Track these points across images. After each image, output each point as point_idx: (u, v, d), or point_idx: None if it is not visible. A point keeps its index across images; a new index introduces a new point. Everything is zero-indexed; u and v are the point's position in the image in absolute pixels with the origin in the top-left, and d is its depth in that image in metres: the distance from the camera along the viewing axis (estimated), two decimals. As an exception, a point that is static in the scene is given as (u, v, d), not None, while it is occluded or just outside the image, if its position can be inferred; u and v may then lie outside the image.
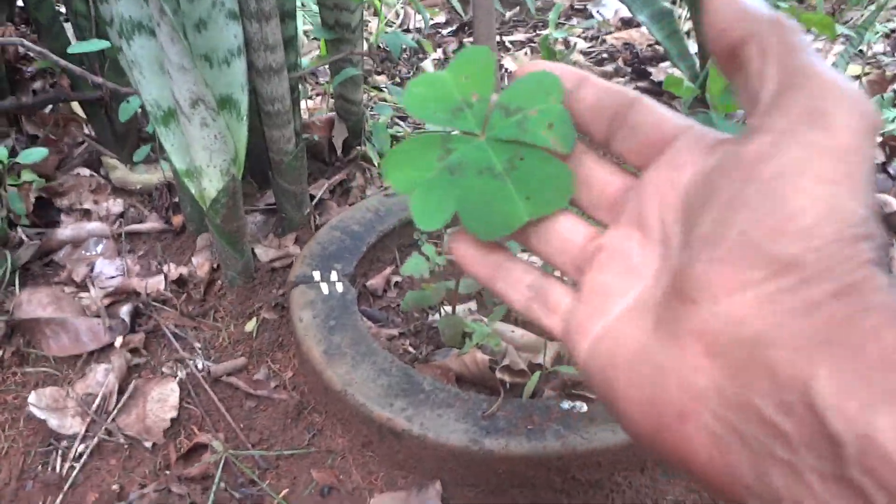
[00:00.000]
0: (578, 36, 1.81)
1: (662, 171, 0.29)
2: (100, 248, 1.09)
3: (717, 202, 0.25)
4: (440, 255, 0.84)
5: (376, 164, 1.21)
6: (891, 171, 1.27)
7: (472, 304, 0.96)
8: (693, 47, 1.55)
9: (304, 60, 1.19)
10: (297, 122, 1.03)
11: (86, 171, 1.24)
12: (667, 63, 1.58)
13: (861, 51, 1.51)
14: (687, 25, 1.71)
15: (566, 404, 0.80)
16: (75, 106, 1.37)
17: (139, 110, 1.10)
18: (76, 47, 1.01)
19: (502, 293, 0.33)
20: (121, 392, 0.86)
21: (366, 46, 1.35)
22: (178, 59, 0.81)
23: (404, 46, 1.15)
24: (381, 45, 1.51)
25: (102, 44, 1.01)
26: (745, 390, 0.22)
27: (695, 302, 0.24)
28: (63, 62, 0.96)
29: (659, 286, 0.28)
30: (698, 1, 1.41)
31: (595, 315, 0.30)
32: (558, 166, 0.31)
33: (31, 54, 1.49)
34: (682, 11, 1.80)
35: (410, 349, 0.91)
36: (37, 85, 1.48)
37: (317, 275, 0.96)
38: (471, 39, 1.75)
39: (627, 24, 1.86)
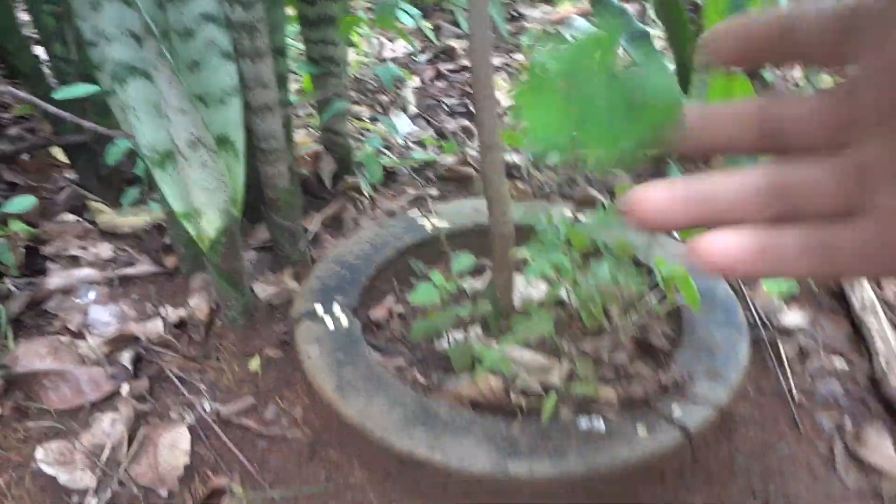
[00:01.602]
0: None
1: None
2: (92, 295, 1.07)
3: None
4: (448, 281, 0.84)
5: (367, 195, 1.22)
6: None
7: (478, 328, 0.96)
8: (671, 66, 1.59)
9: (291, 96, 1.20)
10: (290, 157, 1.03)
11: (71, 217, 1.22)
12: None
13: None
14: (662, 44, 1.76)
15: (584, 423, 0.80)
16: (55, 151, 1.35)
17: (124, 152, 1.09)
18: (64, 92, 1.00)
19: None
20: (130, 441, 0.84)
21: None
22: (178, 102, 0.81)
23: (380, 77, 1.17)
24: (359, 76, 1.52)
25: (92, 88, 1.00)
26: None
27: None
28: (53, 109, 0.95)
29: None
30: (674, 19, 1.45)
31: None
32: None
33: (8, 100, 1.47)
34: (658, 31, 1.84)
35: (420, 378, 0.91)
36: (12, 131, 1.45)
37: (320, 308, 0.95)
38: (448, 66, 1.78)
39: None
